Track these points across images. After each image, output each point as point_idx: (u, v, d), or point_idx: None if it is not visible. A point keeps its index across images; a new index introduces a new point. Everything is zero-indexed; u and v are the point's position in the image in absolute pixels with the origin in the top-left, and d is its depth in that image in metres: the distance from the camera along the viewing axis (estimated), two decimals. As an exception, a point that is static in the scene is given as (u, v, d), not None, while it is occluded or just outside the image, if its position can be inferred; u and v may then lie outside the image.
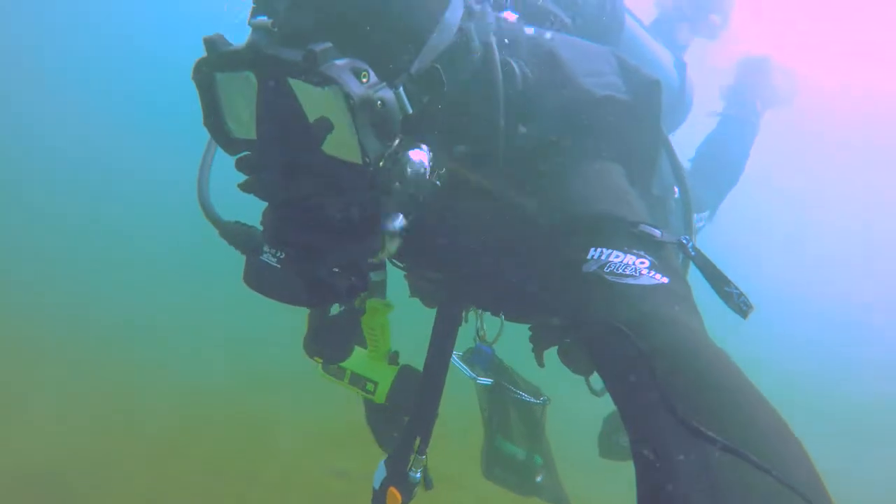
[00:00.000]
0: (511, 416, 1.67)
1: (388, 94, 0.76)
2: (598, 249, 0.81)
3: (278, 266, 0.84)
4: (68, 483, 3.61)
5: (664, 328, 0.71)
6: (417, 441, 1.22)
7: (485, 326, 1.45)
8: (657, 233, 0.82)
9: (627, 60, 1.03)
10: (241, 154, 0.87)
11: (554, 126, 0.94)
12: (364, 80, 0.73)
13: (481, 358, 1.53)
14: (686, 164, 2.29)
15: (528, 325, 1.38)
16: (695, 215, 1.83)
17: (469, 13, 0.89)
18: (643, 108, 0.99)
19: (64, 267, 7.14)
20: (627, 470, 0.75)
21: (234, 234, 1.01)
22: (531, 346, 1.40)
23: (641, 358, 0.69)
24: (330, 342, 1.33)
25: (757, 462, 0.55)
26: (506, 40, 0.97)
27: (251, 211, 0.96)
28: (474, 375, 1.58)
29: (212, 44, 0.79)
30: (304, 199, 0.83)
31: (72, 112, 9.56)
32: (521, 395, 1.59)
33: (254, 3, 0.79)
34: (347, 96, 0.71)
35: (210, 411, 4.58)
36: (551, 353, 1.36)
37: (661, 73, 1.50)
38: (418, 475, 1.24)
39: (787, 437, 0.61)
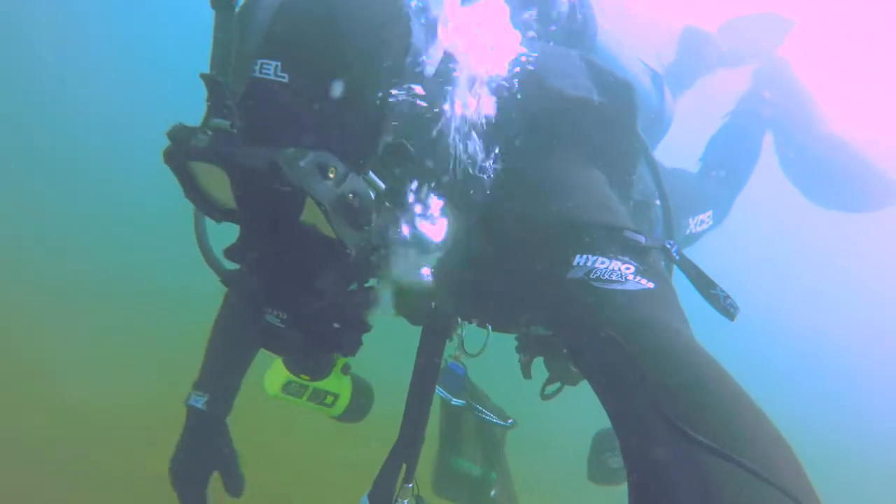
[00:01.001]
0: (466, 435, 1.67)
1: (357, 184, 0.75)
2: (584, 256, 0.80)
3: (283, 327, 0.85)
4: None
5: (653, 333, 0.71)
6: (403, 468, 1.13)
7: (464, 342, 1.38)
8: (641, 238, 0.82)
9: (596, 62, 1.03)
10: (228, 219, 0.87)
11: (530, 130, 0.93)
12: (331, 175, 0.72)
13: (453, 378, 1.51)
14: (696, 162, 2.30)
15: (514, 336, 1.36)
16: (694, 217, 1.78)
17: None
18: (616, 110, 0.99)
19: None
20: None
21: (237, 284, 0.98)
22: (518, 355, 1.38)
23: (631, 364, 0.68)
24: (320, 364, 1.29)
25: (749, 466, 0.55)
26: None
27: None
28: (449, 396, 1.56)
29: (175, 139, 0.76)
30: (292, 273, 0.83)
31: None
32: (490, 417, 1.58)
33: (207, 102, 0.76)
34: (317, 203, 0.70)
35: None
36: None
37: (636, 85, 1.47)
38: None
39: (777, 441, 0.61)
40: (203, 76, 0.74)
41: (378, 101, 0.76)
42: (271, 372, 1.37)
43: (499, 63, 0.94)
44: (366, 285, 0.91)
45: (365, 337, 0.93)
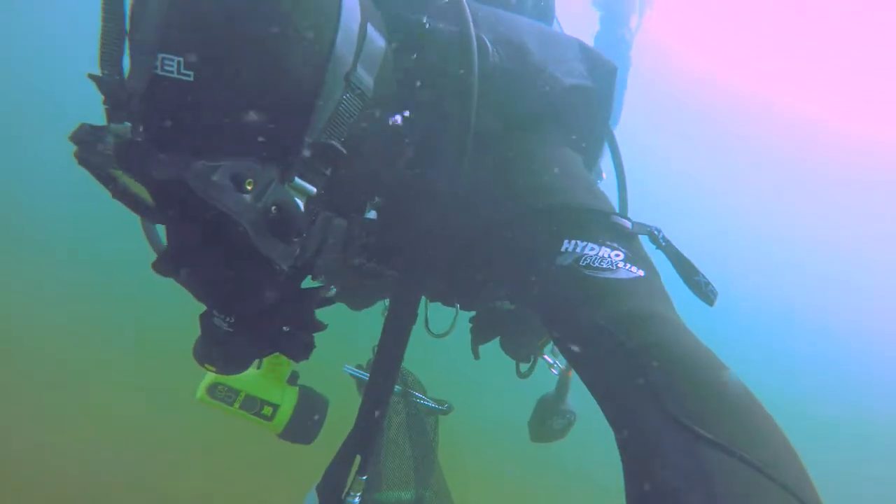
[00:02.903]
0: (391, 452, 1.60)
1: (280, 194, 0.67)
2: (573, 241, 0.78)
3: (231, 331, 0.79)
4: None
5: (647, 323, 0.70)
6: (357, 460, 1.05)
7: (428, 322, 1.34)
8: (628, 224, 0.81)
9: (587, 45, 1.00)
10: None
11: (522, 112, 0.90)
12: (249, 187, 0.63)
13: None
14: None
15: (469, 318, 1.33)
16: None
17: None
18: (601, 93, 0.98)
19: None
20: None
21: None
22: (470, 336, 1.35)
23: (626, 356, 0.67)
24: (229, 349, 1.08)
25: (752, 462, 0.55)
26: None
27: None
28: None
29: (81, 144, 0.65)
30: (228, 283, 0.76)
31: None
32: (427, 402, 1.55)
33: (104, 105, 0.64)
34: (234, 221, 0.62)
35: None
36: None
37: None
38: (357, 501, 1.04)
39: (775, 434, 0.61)
40: (93, 78, 0.62)
41: (301, 97, 0.67)
42: (204, 375, 1.21)
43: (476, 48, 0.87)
44: (315, 286, 0.86)
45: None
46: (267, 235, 0.66)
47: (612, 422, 0.69)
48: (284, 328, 0.83)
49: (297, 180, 0.69)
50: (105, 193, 0.74)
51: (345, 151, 0.71)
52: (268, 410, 1.22)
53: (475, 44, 0.84)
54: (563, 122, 0.92)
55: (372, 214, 0.88)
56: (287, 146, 0.67)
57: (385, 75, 0.77)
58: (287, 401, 1.23)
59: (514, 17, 0.98)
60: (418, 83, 0.85)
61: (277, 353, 1.20)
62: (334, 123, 0.70)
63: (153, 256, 0.79)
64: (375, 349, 1.34)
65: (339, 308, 1.33)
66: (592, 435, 1.69)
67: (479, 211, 0.88)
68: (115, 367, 4.75)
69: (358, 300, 1.42)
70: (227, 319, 0.79)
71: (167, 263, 0.73)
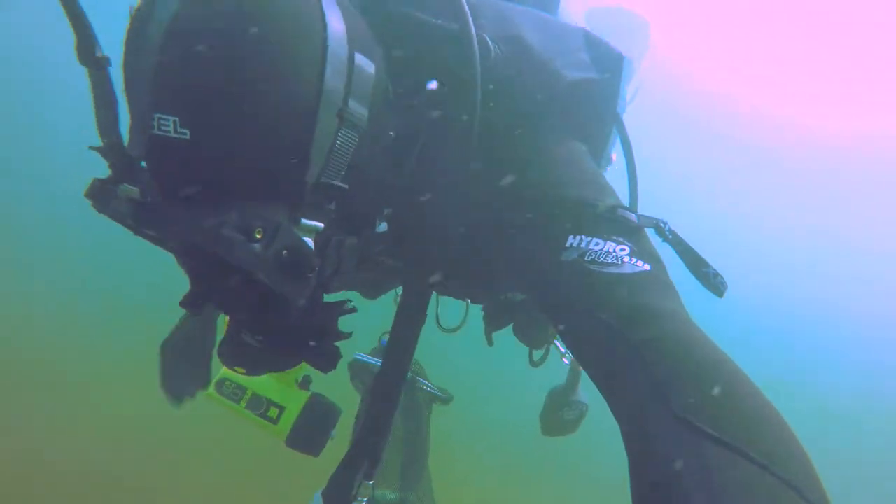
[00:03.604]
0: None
1: (289, 237, 0.67)
2: (578, 237, 0.77)
3: (258, 346, 0.81)
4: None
5: (652, 318, 0.70)
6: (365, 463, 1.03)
7: (438, 317, 1.34)
8: (633, 217, 0.80)
9: (592, 34, 0.98)
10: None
11: (525, 107, 0.88)
12: (258, 236, 0.64)
13: (360, 368, 1.45)
14: None
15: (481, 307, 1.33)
16: None
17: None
18: (607, 84, 0.96)
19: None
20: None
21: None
22: (483, 322, 1.34)
23: (632, 351, 0.67)
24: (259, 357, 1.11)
25: (757, 460, 0.55)
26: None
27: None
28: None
29: (94, 200, 0.66)
30: (253, 311, 0.78)
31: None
32: (431, 389, 1.54)
33: (109, 168, 0.66)
34: (249, 272, 0.64)
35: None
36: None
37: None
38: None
39: (782, 430, 0.61)
40: (94, 148, 0.64)
41: (296, 141, 0.67)
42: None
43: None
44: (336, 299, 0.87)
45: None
46: (281, 278, 0.67)
47: (618, 416, 0.69)
48: (311, 342, 0.84)
49: (304, 221, 0.70)
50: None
51: (346, 187, 0.72)
52: (273, 412, 1.18)
53: (476, 42, 0.82)
54: (569, 116, 0.91)
55: (383, 226, 0.89)
56: (289, 190, 0.68)
57: (378, 97, 0.77)
58: (294, 404, 1.20)
59: (515, 7, 0.95)
60: (417, 83, 0.84)
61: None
62: (332, 161, 0.70)
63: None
64: (384, 339, 1.33)
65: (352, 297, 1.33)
66: (599, 431, 1.68)
67: (486, 207, 0.87)
68: (119, 368, 4.80)
69: (371, 289, 1.41)
70: (256, 337, 0.80)
71: (193, 300, 0.74)
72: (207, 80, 0.61)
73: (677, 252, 0.84)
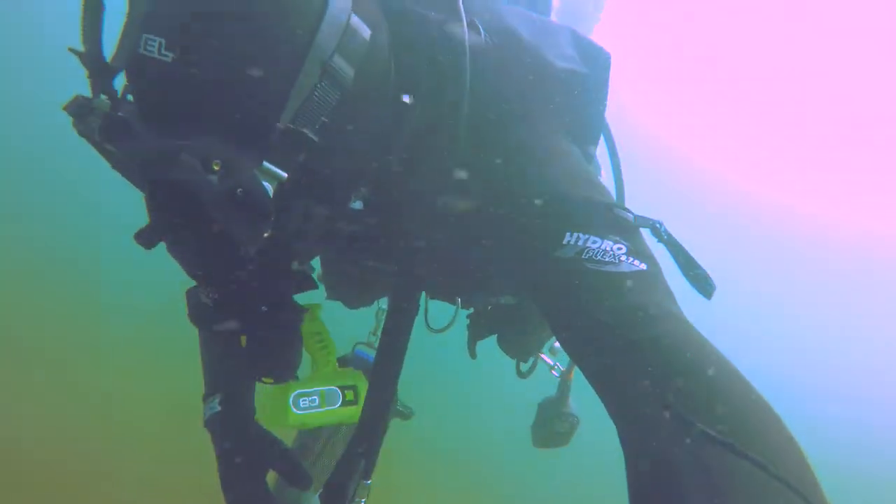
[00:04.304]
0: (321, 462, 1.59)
1: (246, 176, 0.67)
2: (574, 234, 0.76)
3: (213, 306, 0.81)
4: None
5: (650, 318, 0.69)
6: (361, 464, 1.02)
7: (427, 318, 1.32)
8: (630, 216, 0.80)
9: (579, 33, 1.00)
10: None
11: (515, 93, 0.88)
12: (216, 168, 0.64)
13: (359, 365, 1.40)
14: None
15: (467, 314, 1.32)
16: None
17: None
18: (595, 80, 0.96)
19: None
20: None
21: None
22: (467, 333, 1.34)
23: (629, 350, 0.67)
24: (280, 357, 1.03)
25: (758, 461, 0.55)
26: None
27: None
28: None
29: (72, 114, 0.68)
30: (208, 258, 0.77)
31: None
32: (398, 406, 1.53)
33: (88, 79, 0.67)
34: (198, 202, 0.63)
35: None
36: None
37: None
38: None
39: (783, 435, 0.61)
40: (76, 52, 0.65)
41: (277, 81, 0.67)
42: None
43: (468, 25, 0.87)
44: (294, 267, 0.86)
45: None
46: (232, 215, 0.66)
47: (614, 417, 0.68)
48: (263, 307, 0.83)
49: (267, 164, 0.69)
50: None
51: (316, 139, 0.71)
52: (350, 395, 1.17)
53: (466, 28, 0.83)
54: (559, 108, 0.91)
55: (358, 205, 0.87)
56: (258, 129, 0.68)
57: (370, 69, 0.76)
58: (357, 378, 1.19)
59: (507, 6, 0.97)
60: (409, 72, 0.84)
61: (324, 343, 1.22)
62: (307, 110, 0.70)
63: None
64: (358, 349, 1.31)
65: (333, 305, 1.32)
66: (593, 437, 1.66)
67: (477, 202, 0.87)
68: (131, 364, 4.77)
69: (355, 298, 1.40)
70: (211, 295, 0.80)
71: (146, 237, 0.73)
72: (200, 9, 0.63)
73: (671, 253, 0.85)
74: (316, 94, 0.69)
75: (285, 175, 0.70)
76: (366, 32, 0.74)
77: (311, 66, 0.68)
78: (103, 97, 0.64)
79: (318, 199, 0.79)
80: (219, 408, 1.11)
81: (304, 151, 0.71)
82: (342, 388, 1.17)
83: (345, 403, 1.17)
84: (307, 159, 0.71)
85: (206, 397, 1.16)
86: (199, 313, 0.84)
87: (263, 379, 0.98)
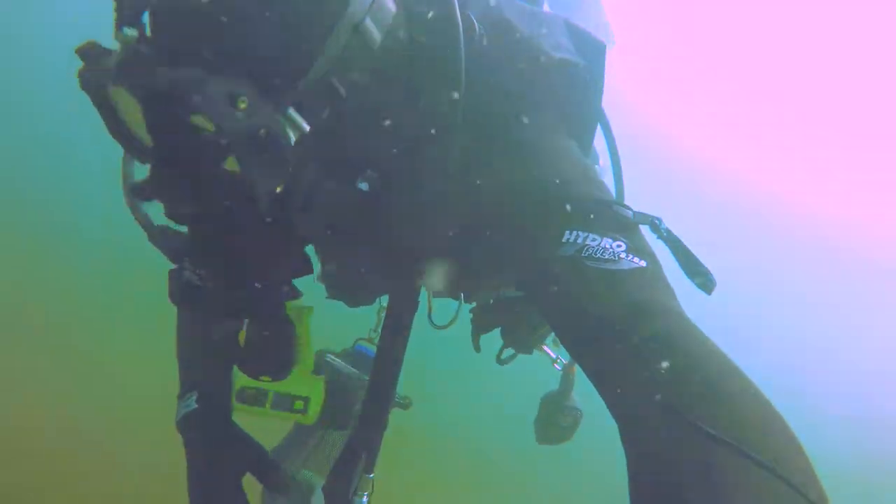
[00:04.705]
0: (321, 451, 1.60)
1: (271, 119, 0.66)
2: (574, 232, 0.76)
3: (201, 284, 0.79)
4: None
5: (650, 315, 0.69)
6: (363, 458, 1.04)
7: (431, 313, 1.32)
8: (629, 213, 0.80)
9: (573, 23, 0.99)
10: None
11: (511, 84, 0.88)
12: (242, 106, 0.63)
13: (363, 361, 1.43)
14: None
15: (470, 308, 1.31)
16: None
17: None
18: (590, 70, 0.96)
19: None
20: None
21: (164, 241, 0.88)
22: (471, 326, 1.33)
23: (629, 348, 0.67)
24: (274, 356, 1.03)
25: (762, 462, 0.54)
26: None
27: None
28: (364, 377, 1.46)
29: (84, 56, 0.66)
30: (212, 219, 0.75)
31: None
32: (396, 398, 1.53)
33: (115, 11, 0.65)
34: (220, 134, 0.62)
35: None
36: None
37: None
38: (365, 500, 1.04)
39: (786, 435, 0.60)
40: None
41: (312, 32, 0.68)
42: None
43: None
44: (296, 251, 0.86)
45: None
46: (252, 155, 0.65)
47: (615, 414, 0.68)
48: (256, 284, 0.81)
49: (291, 112, 0.68)
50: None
51: (343, 92, 0.71)
52: (299, 404, 1.19)
53: (460, 19, 0.82)
54: (556, 100, 0.90)
55: (364, 186, 0.87)
56: (288, 75, 0.67)
57: (390, 45, 0.77)
58: (315, 391, 1.21)
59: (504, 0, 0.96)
60: (408, 62, 0.84)
61: (301, 347, 1.21)
62: (337, 64, 0.70)
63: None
64: (359, 345, 1.32)
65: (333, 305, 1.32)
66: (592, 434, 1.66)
67: (476, 195, 0.87)
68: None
69: (355, 296, 1.40)
70: (198, 272, 0.78)
71: (140, 192, 0.72)
72: None
73: (671, 249, 0.84)
74: (346, 52, 0.70)
75: (307, 128, 0.69)
76: (393, 6, 0.75)
77: (345, 22, 0.69)
78: (126, 31, 0.62)
79: (329, 171, 0.79)
80: (195, 405, 1.08)
81: (329, 105, 0.71)
82: (295, 396, 1.19)
83: (293, 411, 1.19)
84: (330, 117, 0.71)
85: (181, 395, 1.13)
86: (185, 292, 0.81)
87: (259, 377, 0.98)
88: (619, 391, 0.68)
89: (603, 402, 0.71)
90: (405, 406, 1.54)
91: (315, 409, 1.20)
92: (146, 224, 0.90)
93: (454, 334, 1.29)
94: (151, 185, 0.71)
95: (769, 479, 0.53)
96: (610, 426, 0.70)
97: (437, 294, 1.22)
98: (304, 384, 1.21)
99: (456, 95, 0.82)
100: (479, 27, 0.86)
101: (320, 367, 1.42)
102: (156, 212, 0.92)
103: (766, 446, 0.56)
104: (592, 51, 0.95)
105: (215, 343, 1.13)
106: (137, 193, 0.72)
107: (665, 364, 0.64)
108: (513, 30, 0.89)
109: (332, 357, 1.47)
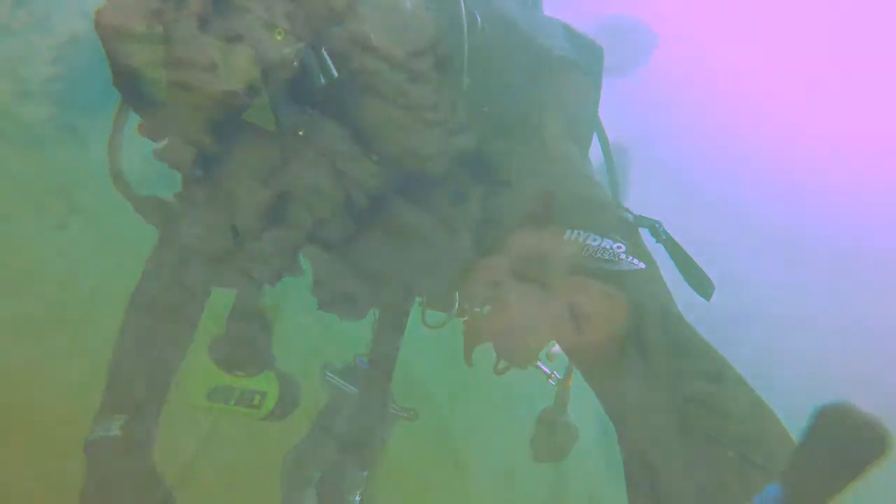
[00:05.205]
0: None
1: (306, 54, 0.67)
2: (575, 232, 0.77)
3: (197, 242, 0.82)
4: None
5: (648, 315, 0.70)
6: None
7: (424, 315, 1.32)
8: (630, 216, 0.81)
9: (571, 26, 1.01)
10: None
11: (513, 78, 0.90)
12: (278, 36, 0.65)
13: (361, 373, 1.40)
14: None
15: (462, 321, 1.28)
16: None
17: None
18: (588, 71, 0.98)
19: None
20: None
21: (151, 209, 0.90)
22: (463, 339, 1.30)
23: (627, 349, 0.67)
24: (254, 351, 1.11)
25: (754, 460, 0.55)
26: None
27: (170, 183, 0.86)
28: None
29: None
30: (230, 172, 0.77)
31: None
32: (395, 410, 1.51)
33: None
34: (255, 57, 0.63)
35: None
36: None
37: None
38: (357, 500, 1.06)
39: (778, 433, 0.61)
40: None
41: None
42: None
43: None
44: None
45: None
46: (280, 89, 0.67)
47: (612, 417, 0.68)
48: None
49: (325, 54, 0.70)
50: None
51: (378, 45, 0.72)
52: (257, 400, 1.26)
53: (465, 12, 0.84)
54: (558, 101, 0.92)
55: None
56: (330, 18, 0.70)
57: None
58: (271, 386, 1.28)
59: (502, 1, 0.98)
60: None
61: None
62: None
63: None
64: (359, 360, 1.33)
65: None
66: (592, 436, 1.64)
67: (478, 191, 0.88)
68: None
69: (349, 307, 1.40)
70: (193, 231, 0.80)
71: (153, 129, 0.74)
72: None
73: (669, 253, 0.85)
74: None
75: (336, 74, 0.71)
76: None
77: None
78: None
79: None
80: (117, 432, 0.99)
81: (360, 56, 0.73)
82: (255, 392, 1.26)
83: (251, 407, 1.26)
84: (358, 68, 0.73)
85: (100, 415, 1.02)
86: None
87: (235, 371, 0.99)
88: (615, 392, 0.69)
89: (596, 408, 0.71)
90: (411, 418, 1.55)
91: (269, 403, 1.25)
92: (129, 193, 0.92)
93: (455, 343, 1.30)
94: (153, 126, 0.73)
95: (770, 480, 0.52)
96: (608, 430, 0.69)
97: (430, 306, 1.23)
98: (261, 380, 1.27)
99: (458, 84, 0.83)
100: (482, 24, 0.88)
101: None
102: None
103: (766, 448, 0.56)
104: (589, 52, 0.97)
105: (166, 355, 1.10)
106: (144, 134, 0.74)
107: (662, 367, 0.64)
108: (513, 26, 0.91)
109: (331, 375, 1.48)
